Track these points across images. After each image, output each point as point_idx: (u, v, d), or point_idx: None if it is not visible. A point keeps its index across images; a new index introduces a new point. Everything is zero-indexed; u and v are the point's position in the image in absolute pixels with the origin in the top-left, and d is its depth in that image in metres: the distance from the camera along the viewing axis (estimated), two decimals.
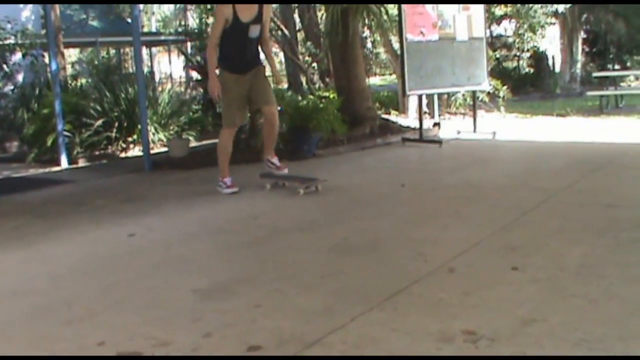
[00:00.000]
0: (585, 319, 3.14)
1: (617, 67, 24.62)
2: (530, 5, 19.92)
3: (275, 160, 7.05)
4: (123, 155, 11.29)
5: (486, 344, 2.91)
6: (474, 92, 11.67)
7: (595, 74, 19.23)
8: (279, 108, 7.20)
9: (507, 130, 11.70)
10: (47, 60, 13.92)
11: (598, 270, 3.84)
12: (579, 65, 23.53)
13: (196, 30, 16.91)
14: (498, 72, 20.29)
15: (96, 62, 18.50)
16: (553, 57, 24.63)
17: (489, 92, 15.40)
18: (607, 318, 3.15)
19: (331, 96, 10.49)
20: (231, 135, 6.86)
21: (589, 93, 17.49)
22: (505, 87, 16.20)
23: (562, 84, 22.90)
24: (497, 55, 21.96)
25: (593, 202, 5.53)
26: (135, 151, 11.19)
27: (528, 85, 23.15)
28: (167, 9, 34.55)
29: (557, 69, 24.30)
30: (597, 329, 3.02)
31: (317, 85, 16.17)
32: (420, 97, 10.76)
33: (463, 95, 15.05)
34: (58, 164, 10.37)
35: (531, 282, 3.68)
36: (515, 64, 24.85)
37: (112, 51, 27.39)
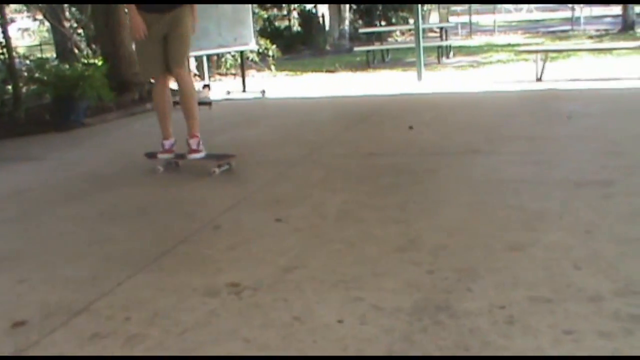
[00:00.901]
0: (343, 262, 3.31)
1: (383, 23, 25.62)
2: None
3: (193, 141, 5.70)
4: None
5: (249, 294, 2.99)
6: (242, 53, 11.75)
7: (362, 30, 19.91)
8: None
9: (278, 88, 11.91)
10: None
11: (356, 215, 4.05)
12: (347, 22, 24.27)
13: None
14: (269, 31, 20.54)
15: None
16: (323, 15, 25.23)
17: (259, 52, 15.57)
18: (364, 258, 3.34)
19: (98, 63, 10.21)
20: (158, 89, 5.77)
21: (357, 49, 18.10)
22: (275, 46, 16.43)
23: (331, 41, 23.54)
24: (266, 15, 22.21)
25: (355, 152, 5.79)
26: None
27: (299, 43, 23.60)
28: None
29: (327, 27, 24.93)
30: (353, 269, 3.20)
31: (85, 53, 15.66)
32: (188, 59, 10.68)
33: (233, 56, 15.11)
34: None
35: (293, 231, 3.81)
36: (286, 23, 25.26)
37: None
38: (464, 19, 29.27)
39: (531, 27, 29.84)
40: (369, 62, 16.45)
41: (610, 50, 14.98)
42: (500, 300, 2.77)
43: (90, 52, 15.64)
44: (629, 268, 3.05)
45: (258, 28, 16.66)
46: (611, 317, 2.59)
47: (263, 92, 10.74)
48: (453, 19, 28.45)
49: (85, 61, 10.99)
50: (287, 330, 2.63)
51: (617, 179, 4.48)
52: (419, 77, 11.71)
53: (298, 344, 2.53)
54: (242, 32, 10.82)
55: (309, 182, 4.88)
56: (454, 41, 21.07)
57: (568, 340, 2.44)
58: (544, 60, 11.29)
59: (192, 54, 10.40)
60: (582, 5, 30.85)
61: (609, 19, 30.47)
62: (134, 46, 5.92)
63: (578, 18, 28.92)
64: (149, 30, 5.51)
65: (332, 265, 3.27)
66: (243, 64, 11.82)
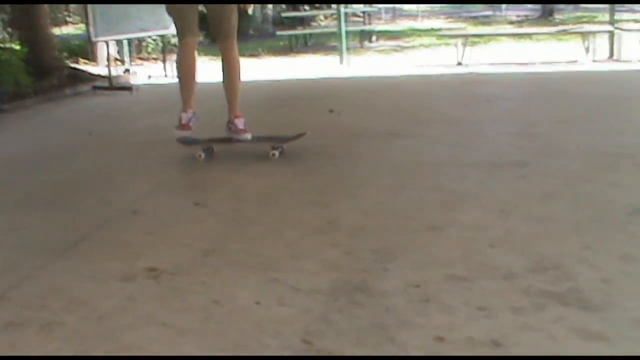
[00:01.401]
0: (262, 245, 3.32)
1: (307, 7, 25.58)
2: None
3: (240, 121, 5.23)
4: None
5: (168, 278, 2.97)
6: (163, 37, 11.61)
7: (285, 14, 19.86)
8: None
9: (200, 73, 11.78)
10: None
11: (276, 198, 4.06)
12: (270, 6, 24.14)
13: None
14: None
15: None
16: None
17: None
18: (282, 241, 3.35)
19: (15, 47, 9.96)
20: (190, 53, 5.25)
21: (280, 33, 18.04)
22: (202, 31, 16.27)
23: (255, 25, 23.39)
24: None
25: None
26: None
27: None
28: None
29: (251, 11, 24.75)
30: (272, 251, 3.21)
31: (1, 37, 15.26)
32: (108, 43, 10.52)
33: (155, 40, 14.90)
34: None
35: (212, 215, 3.81)
36: None
37: None
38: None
39: (454, 12, 30.16)
40: (292, 47, 16.41)
41: (529, 35, 15.26)
42: (417, 279, 2.81)
43: (6, 36, 15.23)
44: (541, 246, 3.13)
45: None
46: (523, 293, 2.66)
47: None
48: (377, 4, 28.59)
49: (2, 45, 10.68)
50: (205, 313, 2.63)
51: (532, 160, 4.58)
52: (341, 61, 11.76)
53: (216, 327, 2.53)
54: (164, 16, 10.62)
55: (228, 166, 4.87)
56: (378, 25, 21.19)
57: (481, 316, 2.49)
58: (465, 45, 11.45)
59: (113, 37, 10.25)
60: None
61: (529, 5, 31.02)
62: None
63: (500, 4, 29.36)
64: None
65: (250, 248, 3.28)
66: (164, 48, 11.67)
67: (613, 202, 3.70)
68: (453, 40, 12.26)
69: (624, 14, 20.71)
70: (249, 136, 5.08)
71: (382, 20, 26.30)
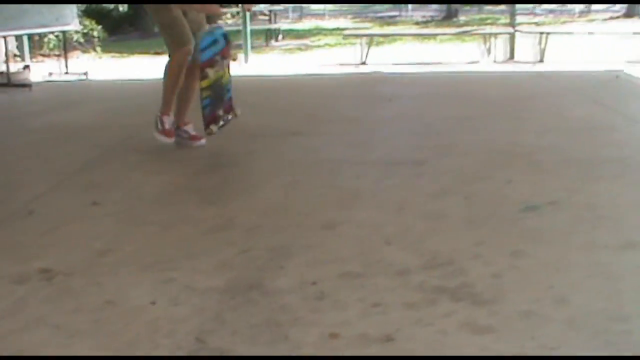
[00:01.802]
0: (158, 244, 3.29)
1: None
2: None
3: (190, 128, 5.33)
4: None
5: (61, 279, 2.91)
6: (64, 33, 11.37)
7: None
8: None
9: (102, 70, 11.63)
10: None
11: (174, 197, 4.04)
12: None
13: None
14: (96, 12, 19.92)
15: None
16: None
17: (84, 33, 15.11)
18: (179, 240, 3.34)
19: None
20: (186, 57, 5.04)
21: None
22: (100, 27, 15.98)
23: None
24: None
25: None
26: None
27: (127, 24, 23.05)
28: None
29: None
30: (168, 251, 3.19)
31: None
32: (6, 39, 10.23)
33: (57, 36, 14.58)
34: None
35: (109, 215, 3.75)
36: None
37: None
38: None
39: (360, 12, 30.47)
40: None
41: (433, 36, 15.54)
42: (312, 277, 2.83)
43: None
44: (435, 242, 3.19)
45: (83, 8, 16.11)
46: (417, 289, 2.71)
47: (86, 74, 10.44)
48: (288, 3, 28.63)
49: None
50: (99, 314, 2.59)
51: (429, 159, 4.67)
52: (246, 59, 11.74)
53: (110, 327, 2.50)
54: (64, 12, 10.44)
55: (127, 165, 4.80)
56: (283, 24, 21.22)
57: (375, 312, 2.53)
58: (369, 45, 11.59)
59: (10, 33, 9.97)
60: None
61: (435, 6, 31.54)
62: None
63: (406, 5, 29.78)
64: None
65: (147, 247, 3.25)
66: (65, 44, 11.44)
67: (507, 199, 3.80)
68: (358, 40, 12.37)
69: (525, 16, 21.30)
70: (203, 141, 5.21)
71: (289, 19, 26.34)
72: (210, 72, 4.90)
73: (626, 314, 2.49)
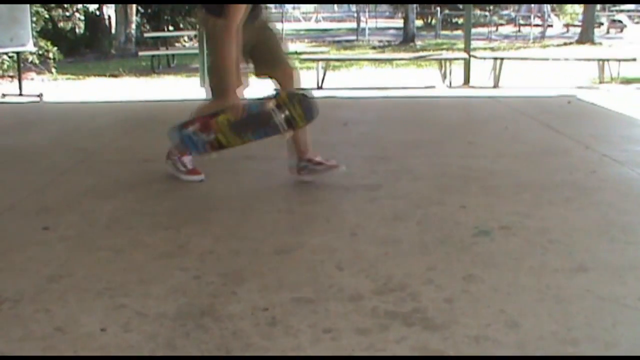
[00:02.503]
0: (110, 269, 3.25)
1: (171, 28, 25.37)
2: None
3: (319, 157, 4.77)
4: None
5: (9, 305, 2.87)
6: (18, 54, 11.28)
7: (147, 35, 19.65)
8: None
9: (57, 92, 11.55)
10: None
11: (126, 222, 3.99)
12: (134, 26, 23.80)
13: None
14: (52, 33, 19.79)
15: None
16: (109, 18, 24.60)
17: (40, 54, 15.00)
18: (131, 265, 3.30)
19: None
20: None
21: (142, 53, 17.85)
22: (56, 49, 15.87)
23: (117, 44, 23.01)
24: (48, 15, 21.35)
25: (130, 158, 5.70)
26: None
27: (83, 46, 22.93)
28: None
29: (114, 30, 24.33)
30: (119, 276, 3.15)
31: None
32: None
33: (11, 57, 14.45)
34: None
35: (61, 240, 3.70)
36: (71, 24, 24.45)
37: None
38: None
39: (318, 37, 30.67)
40: (154, 67, 16.27)
41: (389, 61, 15.67)
42: (264, 303, 2.82)
43: None
44: (388, 268, 3.21)
45: (39, 28, 15.99)
46: (369, 314, 2.71)
47: (40, 95, 10.34)
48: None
49: None
50: (48, 342, 2.55)
51: (383, 183, 4.70)
52: (202, 83, 11.71)
53: (59, 355, 2.45)
54: (19, 32, 10.36)
55: (80, 189, 4.74)
56: None
57: (327, 338, 2.53)
58: (325, 69, 11.65)
59: None
60: (367, 17, 32.11)
61: (392, 31, 31.87)
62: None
63: (364, 29, 30.04)
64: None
65: (98, 273, 3.21)
66: (20, 66, 11.34)
67: (459, 224, 3.83)
68: (314, 64, 12.43)
69: (481, 42, 21.58)
70: (344, 167, 4.78)
71: None
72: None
73: (576, 338, 2.52)
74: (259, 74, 4.73)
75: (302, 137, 4.67)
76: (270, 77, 4.71)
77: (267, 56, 4.68)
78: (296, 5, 43.91)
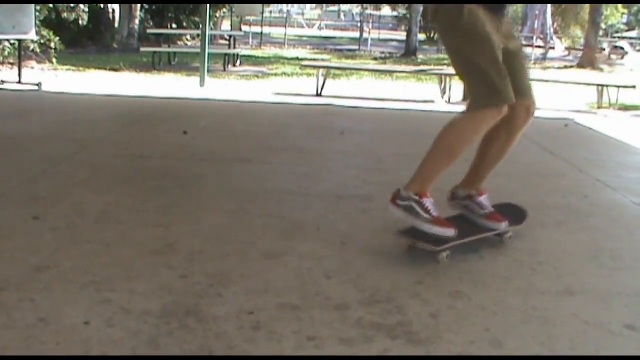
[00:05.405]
0: (97, 263, 3.24)
1: (175, 26, 25.39)
2: None
3: (486, 198, 3.89)
4: None
5: None
6: (20, 42, 11.27)
7: (150, 31, 19.65)
8: None
9: (57, 82, 11.53)
10: None
11: (117, 216, 3.98)
12: (137, 21, 23.79)
13: None
14: (56, 23, 19.75)
15: None
16: (113, 11, 24.60)
17: (41, 43, 14.99)
18: (119, 261, 3.29)
19: None
20: (494, 120, 3.52)
21: (144, 49, 17.84)
22: (58, 39, 15.86)
23: (120, 39, 22.99)
24: (52, 5, 21.34)
25: (125, 153, 5.69)
26: None
27: (86, 38, 22.89)
28: None
29: (117, 24, 24.32)
30: (106, 271, 3.14)
31: None
32: None
33: (13, 44, 14.43)
34: None
35: (50, 230, 3.69)
36: (75, 15, 24.41)
37: None
38: (257, 29, 29.61)
39: (320, 44, 30.70)
40: (155, 64, 16.25)
41: (390, 72, 15.69)
42: (250, 306, 2.82)
43: None
44: (376, 278, 3.20)
45: (42, 18, 15.98)
46: (354, 324, 2.71)
47: (39, 84, 10.33)
48: (245, 29, 28.75)
49: None
50: (30, 332, 2.55)
51: (376, 195, 4.69)
52: (202, 82, 11.73)
53: (40, 346, 2.45)
54: (22, 20, 10.36)
55: (72, 181, 4.73)
56: (243, 50, 21.28)
57: (310, 346, 2.52)
58: (325, 77, 11.66)
59: None
60: (371, 27, 32.18)
61: (394, 43, 31.93)
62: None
63: (366, 39, 30.09)
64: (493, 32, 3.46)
65: (85, 266, 3.20)
66: (20, 54, 11.32)
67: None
68: (315, 71, 12.45)
69: None
70: (506, 224, 3.79)
71: (249, 45, 26.42)
72: None
73: None
74: None
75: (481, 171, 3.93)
76: None
77: (512, 78, 3.53)
78: (300, 11, 43.94)
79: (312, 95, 11.12)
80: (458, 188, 3.92)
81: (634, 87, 12.12)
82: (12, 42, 13.60)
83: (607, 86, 12.08)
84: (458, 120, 3.68)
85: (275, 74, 15.83)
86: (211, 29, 18.30)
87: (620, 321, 2.90)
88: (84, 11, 23.23)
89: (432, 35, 37.24)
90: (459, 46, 3.55)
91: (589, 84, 13.50)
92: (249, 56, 20.55)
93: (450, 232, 3.50)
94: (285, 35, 29.65)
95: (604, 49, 32.14)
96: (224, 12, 28.89)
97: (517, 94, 3.51)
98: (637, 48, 34.06)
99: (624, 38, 34.58)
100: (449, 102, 11.48)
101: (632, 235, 3.87)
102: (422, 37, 33.73)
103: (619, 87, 12.09)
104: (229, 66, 16.70)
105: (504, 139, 3.78)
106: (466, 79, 3.74)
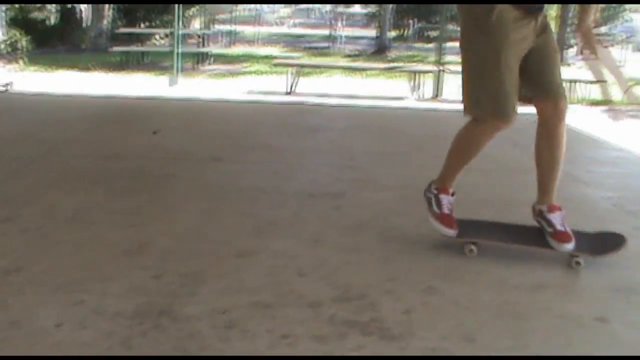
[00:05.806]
0: (69, 265, 3.22)
1: (145, 24, 25.20)
2: None
3: (557, 216, 3.64)
4: None
5: None
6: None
7: (120, 30, 19.52)
8: None
9: (26, 83, 11.43)
10: None
11: (89, 217, 3.96)
12: (106, 20, 23.58)
13: None
14: (23, 22, 19.55)
15: None
16: (81, 11, 24.38)
17: (10, 43, 14.85)
18: (91, 261, 3.28)
19: None
20: (494, 132, 3.66)
21: (114, 49, 17.69)
22: (27, 39, 15.72)
23: (89, 38, 22.78)
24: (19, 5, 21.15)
25: (96, 153, 5.66)
26: None
27: (55, 38, 22.67)
28: None
29: (86, 24, 24.11)
30: (78, 272, 3.13)
31: None
32: None
33: None
34: None
35: (21, 232, 3.66)
36: (44, 15, 24.17)
37: None
38: (228, 27, 29.46)
39: (292, 42, 30.62)
40: (125, 64, 16.14)
41: (361, 70, 15.71)
42: (223, 305, 2.82)
43: None
44: (349, 276, 3.21)
45: (9, 17, 15.83)
46: (327, 322, 2.72)
47: (7, 85, 10.24)
48: (217, 27, 28.60)
49: None
50: (2, 335, 2.53)
51: (348, 192, 4.70)
52: (173, 81, 11.68)
53: (13, 350, 2.44)
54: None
55: (43, 182, 4.70)
56: (214, 49, 21.19)
57: (283, 344, 2.53)
58: (296, 75, 11.65)
59: None
60: (342, 25, 32.17)
61: (365, 40, 31.92)
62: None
63: (337, 37, 30.07)
64: (513, 35, 3.37)
65: (57, 267, 3.18)
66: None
67: (421, 236, 3.84)
68: (286, 69, 12.44)
69: (454, 55, 21.69)
70: (570, 246, 3.52)
71: (220, 43, 26.29)
72: None
73: (531, 354, 2.55)
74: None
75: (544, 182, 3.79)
76: (529, 104, 3.63)
77: (537, 77, 3.53)
78: (270, 9, 43.85)
79: (283, 93, 11.10)
80: (535, 204, 3.78)
81: (605, 81, 12.22)
82: None
83: (577, 82, 12.16)
84: (466, 125, 3.77)
85: (247, 72, 15.79)
86: (182, 28, 18.20)
87: (590, 314, 2.94)
88: (54, 10, 23.02)
89: (403, 32, 37.34)
90: (476, 44, 3.47)
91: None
92: (220, 54, 20.45)
93: (450, 232, 3.63)
94: (256, 33, 29.54)
95: (572, 46, 32.31)
96: (194, 12, 28.74)
97: (542, 93, 3.51)
98: (605, 44, 34.32)
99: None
100: (419, 99, 11.51)
101: (603, 229, 3.90)
102: (393, 34, 33.78)
103: (588, 82, 12.19)
104: (200, 65, 16.63)
105: (546, 143, 3.70)
106: (468, 80, 3.71)
